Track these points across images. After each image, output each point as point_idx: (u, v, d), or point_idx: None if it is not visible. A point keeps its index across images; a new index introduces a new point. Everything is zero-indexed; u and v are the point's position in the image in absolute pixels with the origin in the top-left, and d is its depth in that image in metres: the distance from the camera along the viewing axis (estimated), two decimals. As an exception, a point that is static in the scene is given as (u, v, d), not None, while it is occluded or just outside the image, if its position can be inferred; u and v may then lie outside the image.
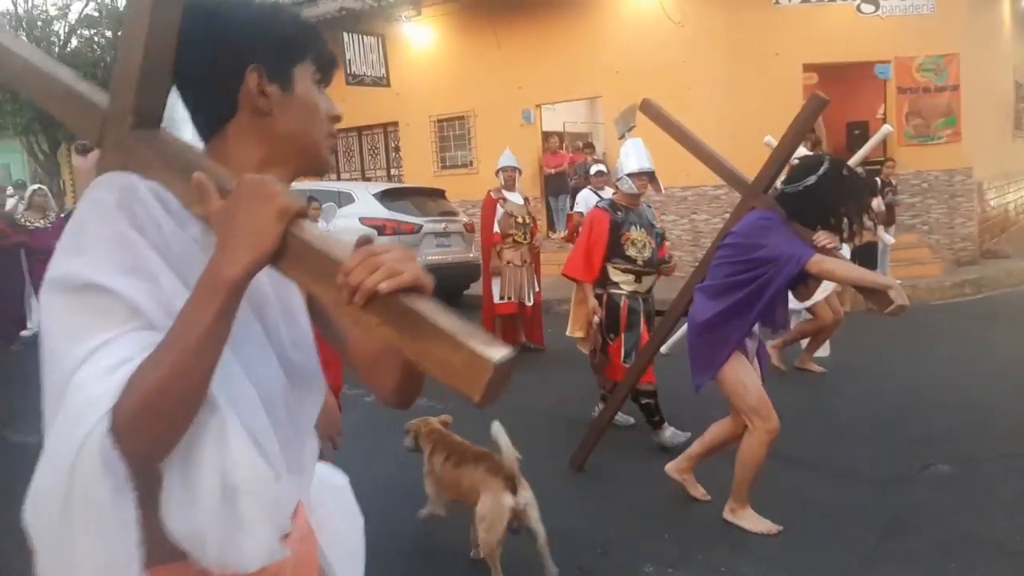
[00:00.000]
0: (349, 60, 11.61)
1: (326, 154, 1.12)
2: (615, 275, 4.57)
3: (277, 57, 1.05)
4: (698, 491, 3.69)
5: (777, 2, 10.64)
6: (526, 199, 7.47)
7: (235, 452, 0.91)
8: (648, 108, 3.92)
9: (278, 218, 0.88)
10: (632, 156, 4.63)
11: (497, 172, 7.46)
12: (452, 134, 13.25)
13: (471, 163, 13.03)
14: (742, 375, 3.27)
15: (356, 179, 14.18)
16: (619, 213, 4.58)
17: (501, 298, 7.06)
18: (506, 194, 7.31)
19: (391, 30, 12.75)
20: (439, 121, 13.26)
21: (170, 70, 1.02)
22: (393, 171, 14.13)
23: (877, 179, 10.29)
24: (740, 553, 3.17)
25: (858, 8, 10.74)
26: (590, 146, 11.44)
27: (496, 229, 7.10)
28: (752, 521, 3.39)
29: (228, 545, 0.92)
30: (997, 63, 12.87)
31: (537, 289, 7.32)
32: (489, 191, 7.39)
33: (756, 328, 3.39)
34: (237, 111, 1.05)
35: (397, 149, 13.99)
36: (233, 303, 0.90)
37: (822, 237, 3.18)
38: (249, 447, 0.93)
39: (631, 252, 4.55)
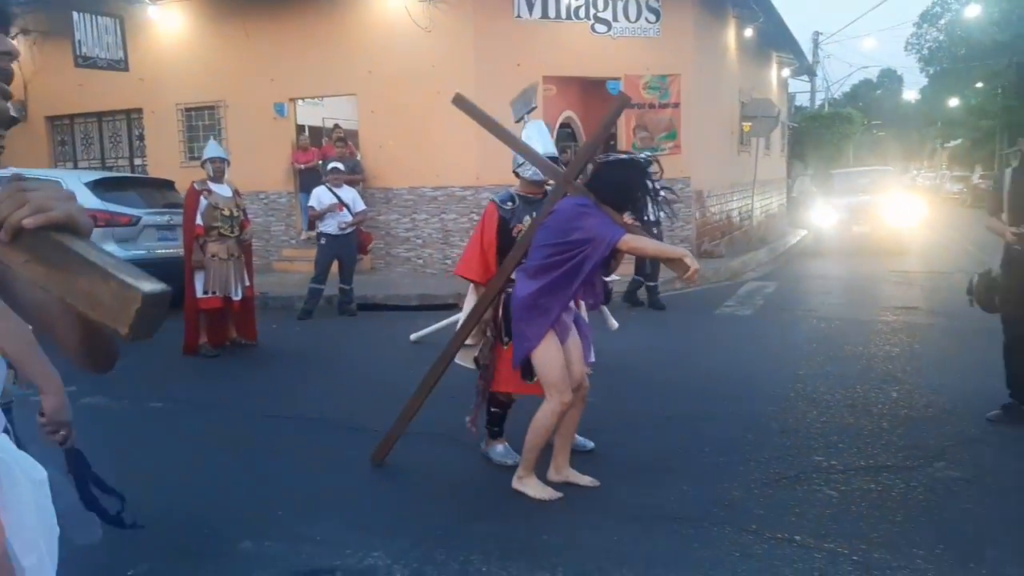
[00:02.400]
0: (79, 40, 10.83)
1: None
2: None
3: None
4: (585, 480, 3.89)
5: (518, 15, 11.24)
6: (236, 191, 7.34)
7: None
8: (460, 102, 4.02)
9: None
10: (536, 140, 4.17)
11: (203, 163, 7.27)
12: (201, 124, 12.71)
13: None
14: (550, 353, 3.61)
15: (95, 167, 13.23)
16: (508, 206, 4.15)
17: (204, 292, 6.92)
18: (212, 186, 7.13)
19: (131, 12, 12.01)
20: (187, 110, 12.67)
21: None
22: (137, 161, 13.32)
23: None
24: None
25: (592, 28, 11.59)
26: (342, 140, 11.44)
27: (199, 221, 6.95)
28: (535, 489, 3.72)
29: None
30: (720, 84, 14.40)
31: (248, 283, 7.27)
32: (193, 182, 7.19)
33: (573, 305, 3.78)
34: None
35: (142, 138, 13.20)
36: None
37: (628, 217, 3.61)
38: None
39: None
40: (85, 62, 10.87)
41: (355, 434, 4.73)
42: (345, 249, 8.91)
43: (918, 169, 51.56)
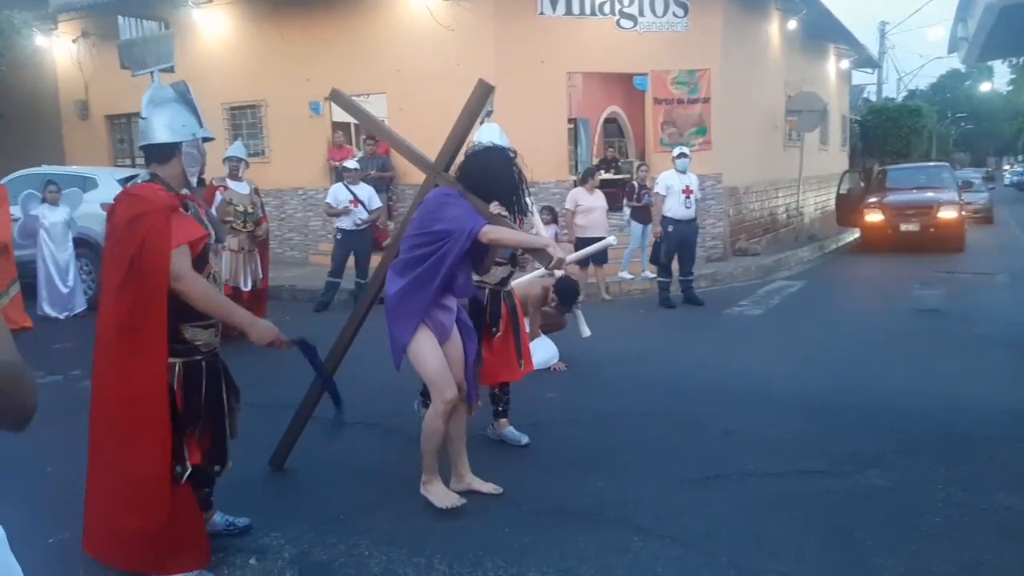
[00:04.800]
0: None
1: None
2: None
3: None
4: (488, 487, 3.80)
5: (541, 13, 11.29)
6: (255, 190, 7.71)
7: None
8: (337, 97, 4.03)
9: None
10: (490, 142, 4.19)
11: (224, 161, 7.66)
12: (244, 122, 13.25)
13: (263, 152, 13.08)
14: (424, 347, 3.48)
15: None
16: None
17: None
18: (230, 183, 7.55)
19: (176, 16, 12.62)
20: (231, 109, 13.22)
21: None
22: (187, 157, 13.96)
23: (634, 182, 11.18)
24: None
25: (618, 23, 11.54)
26: (372, 139, 11.74)
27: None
28: (438, 495, 3.60)
29: None
30: (758, 78, 14.08)
31: (260, 276, 7.62)
32: (212, 178, 7.58)
33: (453, 303, 3.62)
34: None
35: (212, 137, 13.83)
36: None
37: (495, 207, 3.50)
38: None
39: None
40: (137, 69, 11.44)
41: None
42: (360, 245, 9.19)
43: (1010, 163, 48.90)
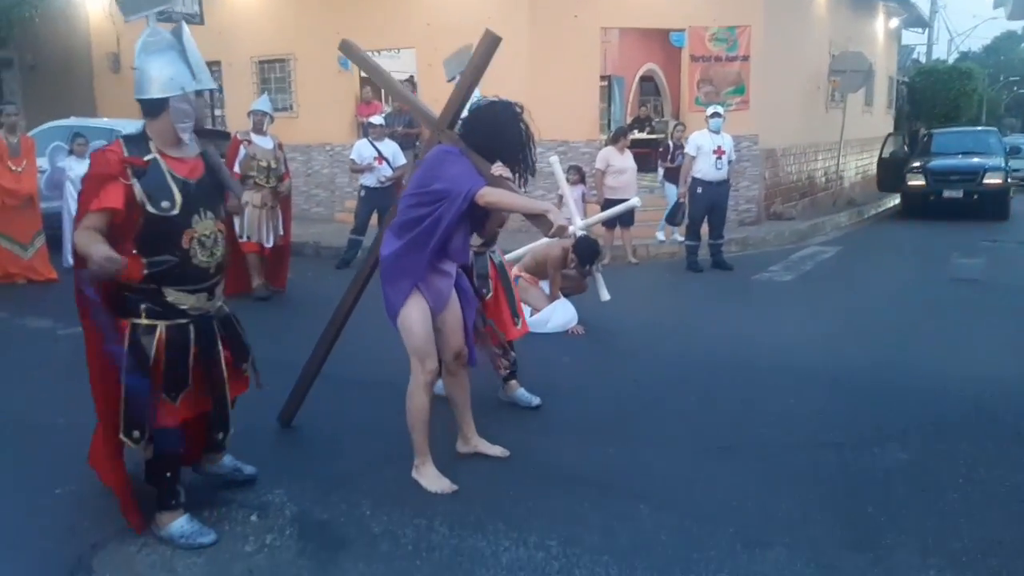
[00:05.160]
0: (156, -5, 11.32)
1: None
2: None
3: None
4: (495, 450, 3.73)
5: (575, -35, 10.95)
6: (278, 144, 7.62)
7: None
8: (346, 48, 3.93)
9: None
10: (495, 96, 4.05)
11: (248, 115, 7.59)
12: (273, 76, 13.17)
13: (291, 107, 13.01)
14: (413, 316, 3.31)
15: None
16: None
17: (240, 237, 7.23)
18: (254, 137, 7.46)
19: (206, -35, 12.49)
20: (261, 62, 13.14)
21: None
22: (217, 112, 13.95)
23: (670, 142, 10.93)
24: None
25: (655, -24, 11.16)
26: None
27: (236, 169, 7.25)
28: (429, 479, 3.44)
29: None
30: (801, 36, 13.58)
31: (282, 233, 7.58)
32: (236, 132, 7.53)
33: (451, 268, 3.45)
34: None
35: (221, 89, 13.80)
36: None
37: (497, 167, 3.33)
38: None
39: None
40: (161, 16, 11.37)
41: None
42: (384, 202, 9.04)
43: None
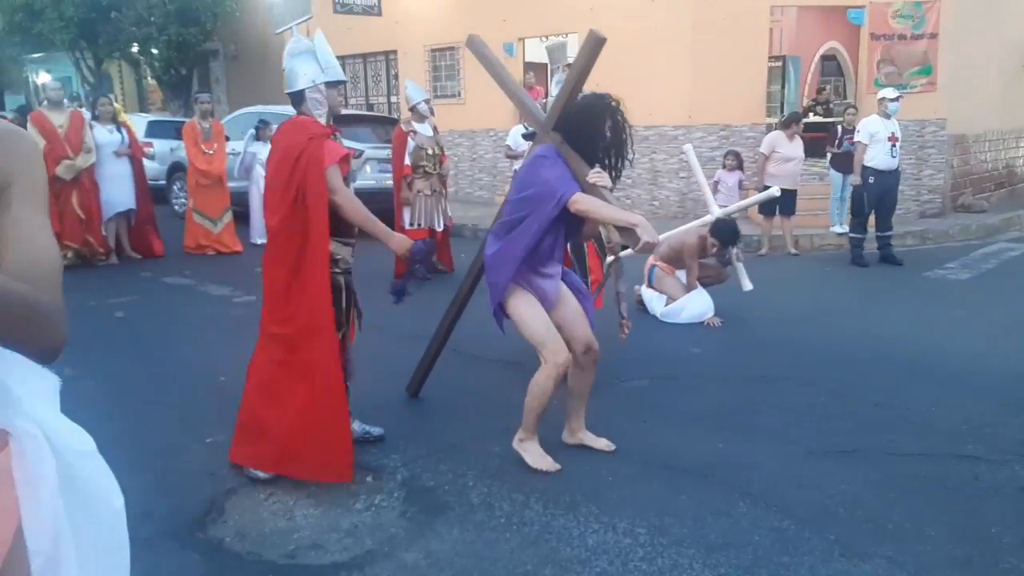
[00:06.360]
0: (338, -11, 12.17)
1: None
2: None
3: None
4: (600, 443, 3.73)
5: (745, -59, 10.52)
6: (435, 129, 7.96)
7: None
8: (472, 44, 4.14)
9: None
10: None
11: (410, 109, 7.88)
12: (444, 64, 13.72)
13: (459, 94, 13.50)
14: (526, 310, 3.34)
15: (360, 105, 14.89)
16: None
17: (411, 225, 7.63)
18: (416, 126, 7.79)
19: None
20: (433, 51, 13.72)
21: None
22: (393, 99, 14.74)
23: (839, 127, 10.31)
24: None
25: (832, -50, 10.51)
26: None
27: (407, 161, 7.62)
28: (534, 456, 3.50)
29: None
30: (1002, 8, 12.26)
31: (450, 215, 7.96)
32: (400, 123, 7.93)
33: (555, 270, 3.43)
34: None
35: (397, 77, 14.57)
36: None
37: (593, 175, 3.28)
38: None
39: None
40: (343, 8, 12.23)
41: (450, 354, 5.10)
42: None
43: None
